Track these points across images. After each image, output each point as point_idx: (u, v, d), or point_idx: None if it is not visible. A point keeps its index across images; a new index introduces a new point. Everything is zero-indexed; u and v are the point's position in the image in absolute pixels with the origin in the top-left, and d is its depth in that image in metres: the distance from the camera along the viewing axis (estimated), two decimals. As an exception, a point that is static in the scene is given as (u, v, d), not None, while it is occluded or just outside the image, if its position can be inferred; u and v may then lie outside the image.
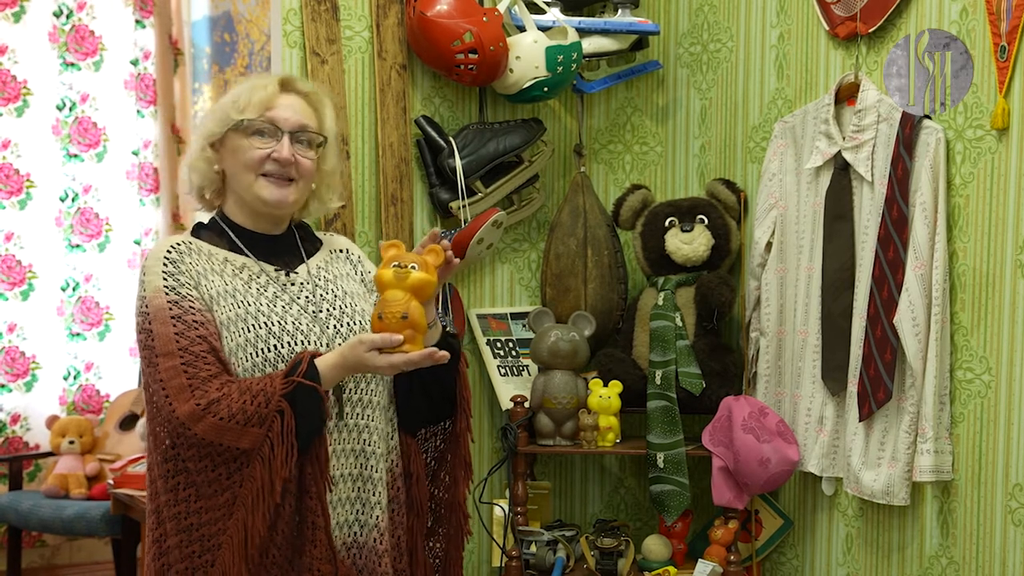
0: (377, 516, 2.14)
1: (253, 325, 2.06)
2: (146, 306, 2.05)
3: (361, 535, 2.13)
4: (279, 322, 2.08)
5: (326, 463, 2.03)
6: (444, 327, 2.21)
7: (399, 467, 2.23)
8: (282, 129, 2.12)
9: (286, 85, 2.18)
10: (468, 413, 2.27)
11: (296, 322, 2.10)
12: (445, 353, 1.98)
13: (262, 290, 2.11)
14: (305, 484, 2.02)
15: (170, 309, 2.03)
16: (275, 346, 2.06)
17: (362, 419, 2.14)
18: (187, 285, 2.06)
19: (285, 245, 2.20)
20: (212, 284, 2.08)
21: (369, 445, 2.14)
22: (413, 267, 1.97)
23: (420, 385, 2.21)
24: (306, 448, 2.00)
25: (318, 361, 2.00)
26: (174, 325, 2.02)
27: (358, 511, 2.13)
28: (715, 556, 2.92)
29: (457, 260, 2.12)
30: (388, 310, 1.94)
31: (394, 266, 1.97)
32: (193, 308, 2.04)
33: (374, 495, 2.13)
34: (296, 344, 2.07)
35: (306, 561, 2.02)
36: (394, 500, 2.22)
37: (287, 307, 2.12)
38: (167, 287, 2.05)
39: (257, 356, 2.05)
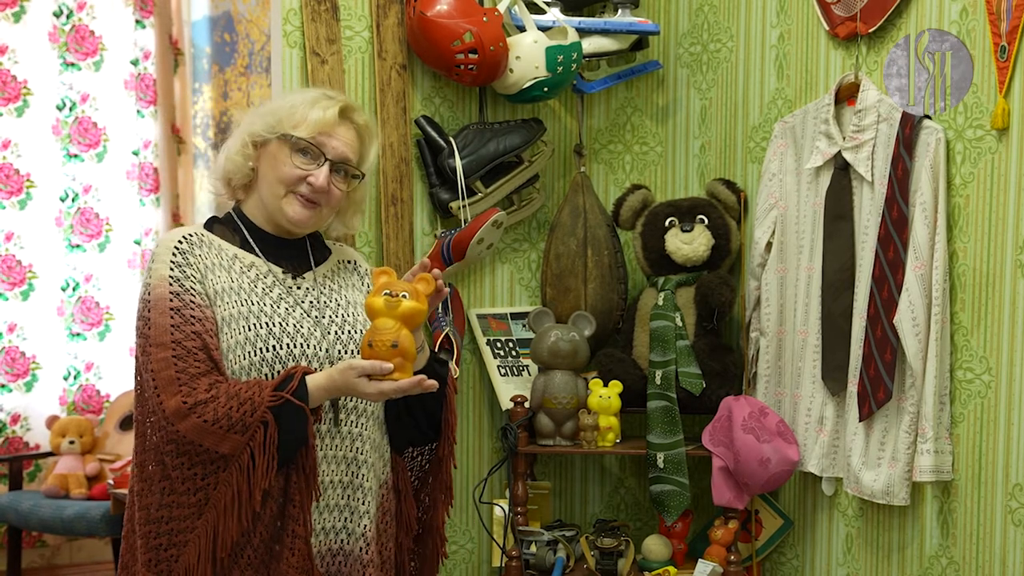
0: (365, 525, 2.13)
1: (254, 324, 2.06)
2: (148, 293, 2.06)
3: (348, 543, 2.13)
4: (280, 323, 2.09)
5: (313, 474, 2.03)
6: (439, 347, 2.23)
7: (391, 480, 2.24)
8: (326, 156, 2.12)
9: (345, 112, 2.17)
10: (452, 439, 2.28)
11: (298, 324, 2.10)
12: (433, 382, 2.00)
13: (267, 290, 2.12)
14: (290, 492, 2.03)
15: (171, 300, 2.03)
16: (274, 346, 2.06)
17: (356, 427, 2.14)
18: (192, 278, 2.06)
19: (296, 250, 2.21)
20: (218, 279, 2.08)
21: (361, 454, 2.14)
22: (404, 296, 1.98)
23: (406, 409, 2.22)
24: (286, 461, 2.01)
25: (308, 379, 2.01)
26: (171, 317, 2.02)
27: (346, 519, 2.13)
28: (715, 556, 2.92)
29: (447, 289, 2.14)
30: (378, 338, 1.96)
31: (385, 294, 1.98)
32: (193, 303, 2.04)
33: (363, 504, 2.13)
34: (295, 346, 2.08)
35: (283, 567, 2.02)
36: (387, 512, 2.22)
37: (290, 309, 2.12)
38: (172, 277, 2.05)
39: (255, 355, 2.05)
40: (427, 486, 2.33)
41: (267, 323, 2.07)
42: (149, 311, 2.05)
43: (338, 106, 2.16)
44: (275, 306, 2.10)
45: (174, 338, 2.01)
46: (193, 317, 2.03)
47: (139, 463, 2.09)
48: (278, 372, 2.05)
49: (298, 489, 2.02)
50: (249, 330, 2.06)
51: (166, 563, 2.04)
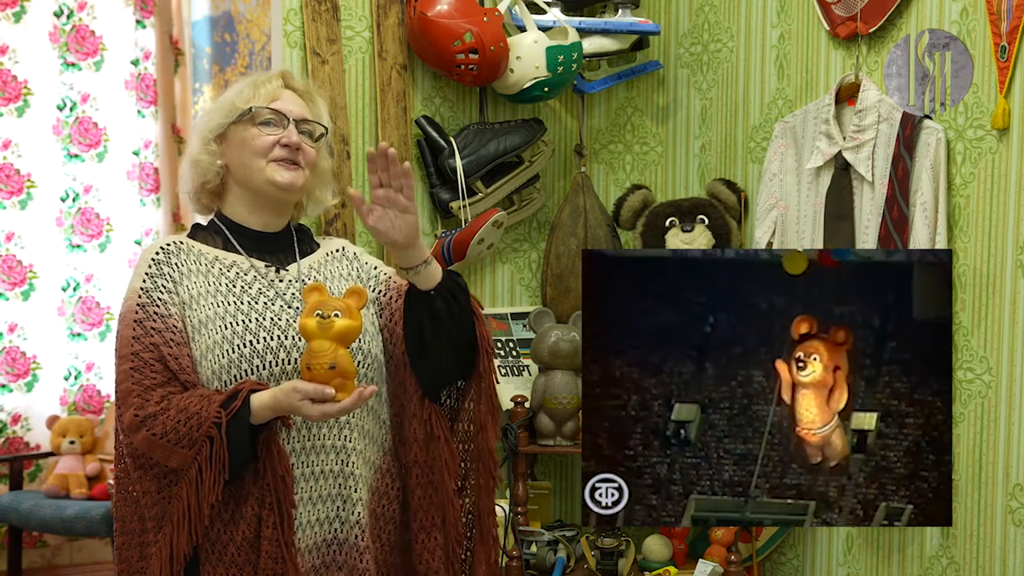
0: (359, 513, 2.13)
1: (231, 323, 2.07)
2: (122, 306, 2.10)
3: (342, 532, 2.13)
4: (257, 318, 2.09)
5: (288, 474, 2.04)
6: (451, 270, 2.19)
7: (390, 465, 2.23)
8: (288, 118, 2.15)
9: (286, 79, 2.22)
10: (490, 352, 2.22)
11: (276, 317, 2.10)
12: (373, 388, 1.99)
13: (246, 288, 2.12)
14: (262, 494, 2.04)
15: (136, 312, 2.07)
16: (251, 342, 2.06)
17: (343, 415, 2.13)
18: (162, 289, 2.08)
19: (281, 244, 2.21)
20: (194, 285, 2.10)
21: (350, 442, 2.14)
22: (336, 314, 1.97)
23: (446, 335, 2.16)
24: (237, 474, 2.02)
25: (254, 397, 2.00)
26: (134, 329, 2.05)
27: (339, 507, 2.13)
28: (716, 556, 2.93)
29: (406, 164, 2.07)
30: (316, 361, 1.96)
31: (316, 315, 1.97)
32: (157, 314, 2.06)
33: (355, 492, 2.13)
34: (272, 339, 2.08)
35: (264, 562, 2.03)
36: (385, 496, 2.21)
37: (270, 303, 2.12)
38: (142, 289, 2.08)
39: (233, 352, 2.05)
40: (467, 414, 2.25)
41: (243, 320, 2.08)
42: (119, 323, 2.10)
43: (278, 74, 2.21)
44: (253, 302, 2.11)
45: (133, 350, 2.04)
46: (153, 328, 2.05)
47: (116, 475, 2.14)
48: (256, 367, 2.05)
49: (271, 491, 2.03)
50: (226, 329, 2.07)
51: (138, 575, 2.08)
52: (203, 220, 2.25)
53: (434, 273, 2.14)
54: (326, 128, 2.22)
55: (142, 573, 2.07)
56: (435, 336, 2.17)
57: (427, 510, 2.23)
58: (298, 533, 2.08)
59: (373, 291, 2.26)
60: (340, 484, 2.13)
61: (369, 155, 2.08)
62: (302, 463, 2.10)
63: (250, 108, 2.13)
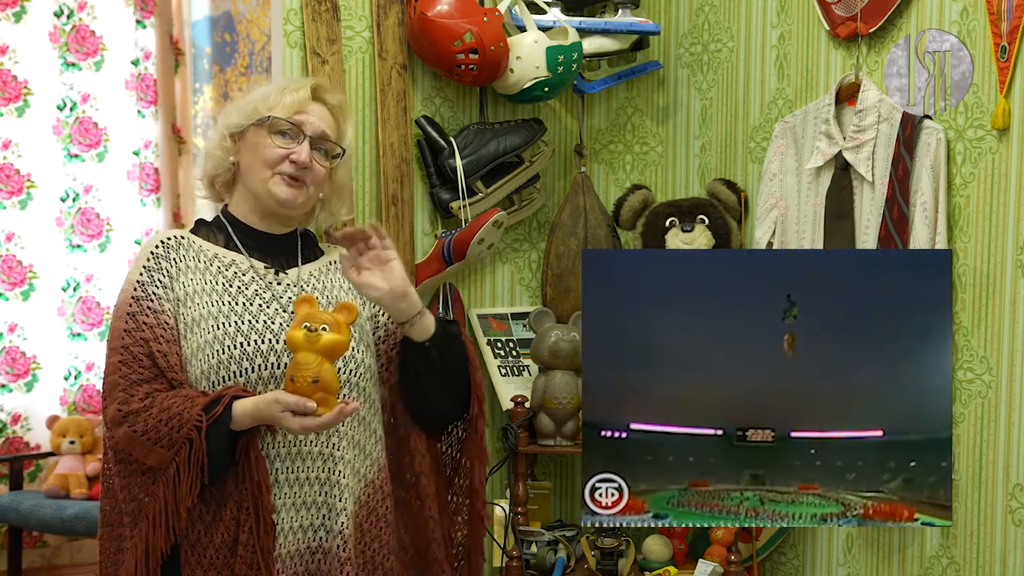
0: (342, 523, 2.11)
1: (223, 323, 2.06)
2: (118, 297, 2.11)
3: (326, 541, 2.11)
4: (250, 320, 2.08)
5: (265, 480, 2.03)
6: (444, 317, 2.22)
7: (383, 482, 2.22)
8: (305, 133, 2.14)
9: (317, 92, 2.20)
10: (481, 397, 2.27)
11: (269, 320, 2.09)
12: (356, 405, 2.00)
13: (242, 288, 2.11)
14: (241, 497, 2.03)
15: (130, 305, 2.07)
16: (241, 344, 2.05)
17: (322, 430, 2.13)
18: (158, 283, 2.08)
19: (284, 246, 2.21)
20: (190, 281, 2.09)
21: (338, 450, 2.12)
22: (324, 328, 1.96)
23: (441, 382, 2.20)
24: (216, 477, 2.02)
25: (237, 404, 2.00)
26: (126, 321, 2.06)
27: (324, 515, 2.11)
28: (716, 556, 2.93)
29: (370, 233, 2.13)
30: (299, 374, 1.95)
31: (304, 327, 1.96)
32: (151, 308, 2.05)
33: (340, 501, 2.12)
34: (263, 342, 2.07)
35: (240, 567, 2.03)
36: (374, 512, 2.19)
37: (265, 305, 2.11)
38: (139, 282, 2.08)
39: (223, 353, 2.05)
40: (466, 452, 2.33)
41: (236, 321, 2.07)
42: (113, 315, 2.10)
43: (309, 86, 2.19)
44: (248, 303, 2.10)
45: (123, 343, 2.04)
46: (145, 323, 2.05)
47: (101, 468, 2.16)
48: (245, 369, 2.05)
49: (249, 492, 2.03)
50: (218, 329, 2.06)
51: (113, 567, 2.09)
52: (208, 216, 2.25)
53: (428, 324, 2.16)
54: (343, 150, 2.21)
55: (118, 566, 2.07)
56: (430, 383, 2.21)
57: (363, 559, 2.22)
58: (280, 539, 2.06)
59: (379, 310, 2.26)
60: (325, 492, 2.11)
61: (346, 235, 2.10)
62: (286, 468, 2.08)
63: (269, 116, 2.13)
